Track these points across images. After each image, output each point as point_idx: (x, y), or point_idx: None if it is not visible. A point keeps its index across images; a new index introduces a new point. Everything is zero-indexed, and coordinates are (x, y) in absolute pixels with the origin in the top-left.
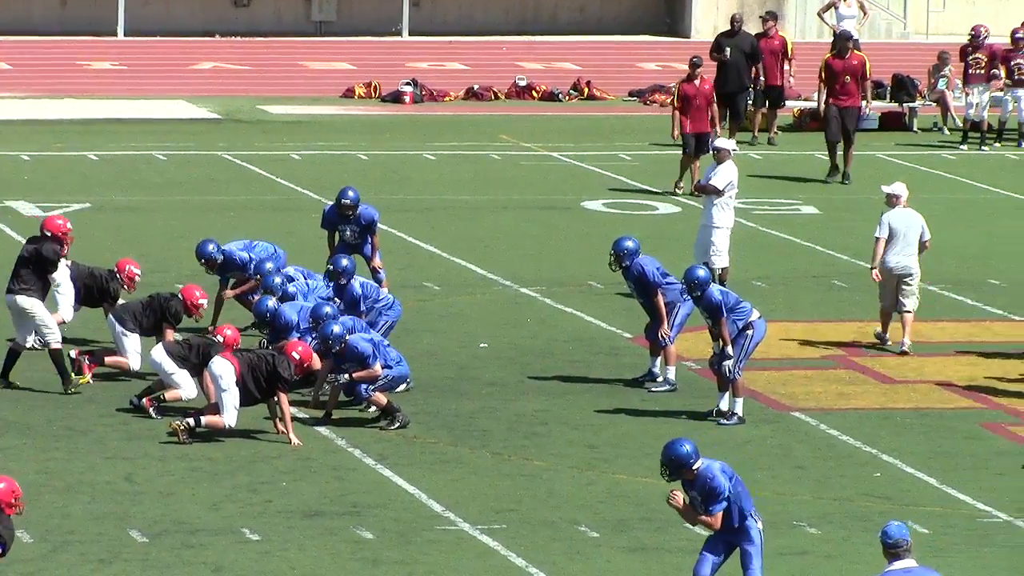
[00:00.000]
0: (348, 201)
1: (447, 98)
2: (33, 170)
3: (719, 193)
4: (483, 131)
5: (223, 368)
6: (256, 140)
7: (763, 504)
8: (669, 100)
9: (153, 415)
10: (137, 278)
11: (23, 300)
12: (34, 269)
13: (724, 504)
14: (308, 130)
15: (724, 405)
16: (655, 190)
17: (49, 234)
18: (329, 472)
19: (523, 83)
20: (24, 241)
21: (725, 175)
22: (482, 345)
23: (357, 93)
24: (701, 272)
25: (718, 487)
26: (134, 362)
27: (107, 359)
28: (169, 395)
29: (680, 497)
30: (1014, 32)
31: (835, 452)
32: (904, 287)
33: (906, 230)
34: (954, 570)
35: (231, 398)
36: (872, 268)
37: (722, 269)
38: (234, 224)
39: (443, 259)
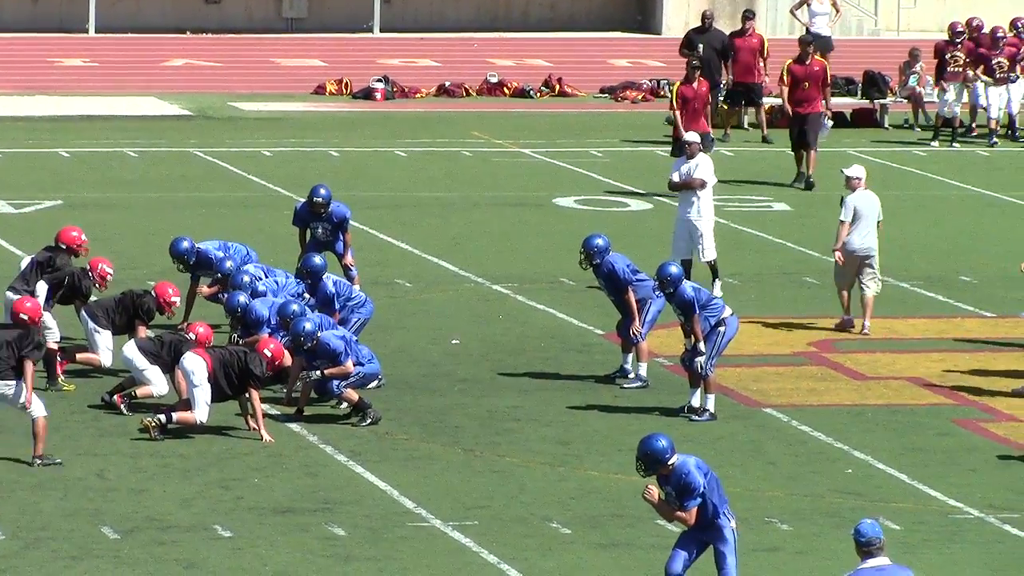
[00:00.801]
0: (320, 199)
1: (418, 95)
2: (5, 167)
3: (704, 186)
4: (454, 128)
5: (195, 364)
6: (227, 137)
7: (735, 500)
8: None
9: (124, 411)
10: (109, 277)
11: None
12: (41, 275)
13: (699, 500)
14: (279, 127)
15: (696, 401)
16: (637, 189)
17: (64, 246)
18: (301, 469)
19: (494, 80)
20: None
21: (707, 167)
22: (454, 341)
23: (328, 90)
24: (673, 269)
25: (693, 483)
26: (105, 359)
27: (79, 356)
28: (140, 392)
29: (655, 492)
30: (994, 30)
31: (807, 448)
32: (867, 269)
33: (868, 212)
34: (926, 566)
35: (203, 394)
36: (835, 250)
37: (712, 261)
38: (206, 221)
39: (415, 256)
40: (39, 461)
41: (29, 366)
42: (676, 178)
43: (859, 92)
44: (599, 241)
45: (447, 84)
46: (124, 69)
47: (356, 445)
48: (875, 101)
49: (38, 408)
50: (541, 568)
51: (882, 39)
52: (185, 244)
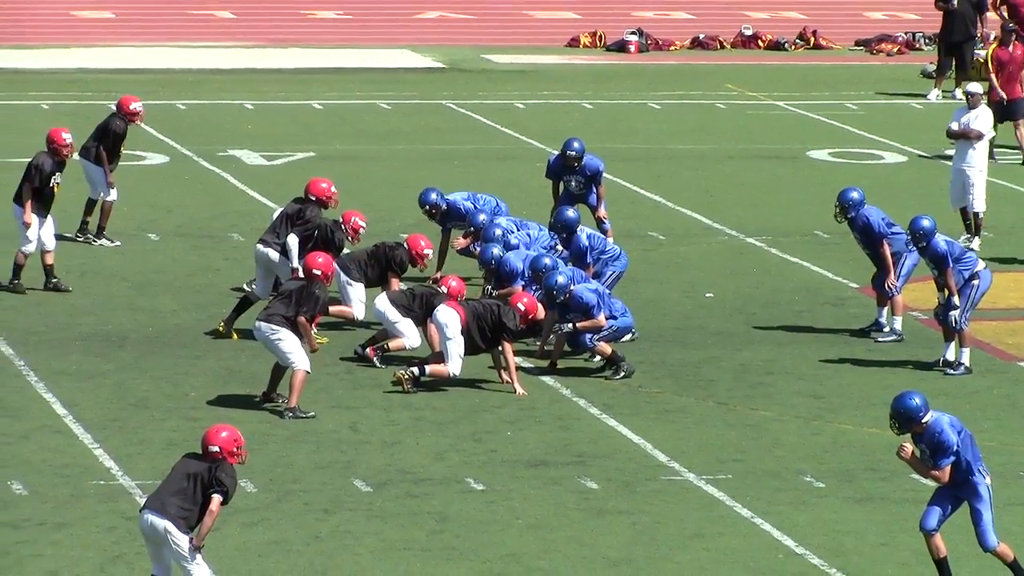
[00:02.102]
0: (573, 152)
1: (672, 47)
2: (256, 119)
3: (981, 137)
4: (708, 80)
5: (448, 317)
6: (480, 89)
7: (989, 455)
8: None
9: (377, 364)
10: (362, 230)
11: (274, 254)
12: (291, 227)
13: (952, 458)
14: (532, 79)
15: (951, 355)
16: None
17: (313, 198)
18: (554, 422)
19: (749, 32)
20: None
21: (986, 119)
22: (708, 295)
23: (582, 42)
24: (926, 222)
25: (946, 441)
26: (358, 311)
27: (332, 309)
28: (393, 344)
29: (909, 450)
30: None
31: None
32: None
33: None
34: None
35: (456, 347)
36: None
37: (979, 213)
38: (458, 173)
39: (668, 209)
40: (291, 414)
41: (303, 319)
42: (955, 127)
43: None
44: (854, 194)
45: (701, 37)
46: (377, 21)
47: (609, 398)
48: None
49: (301, 361)
50: (794, 522)
51: None
52: (433, 196)
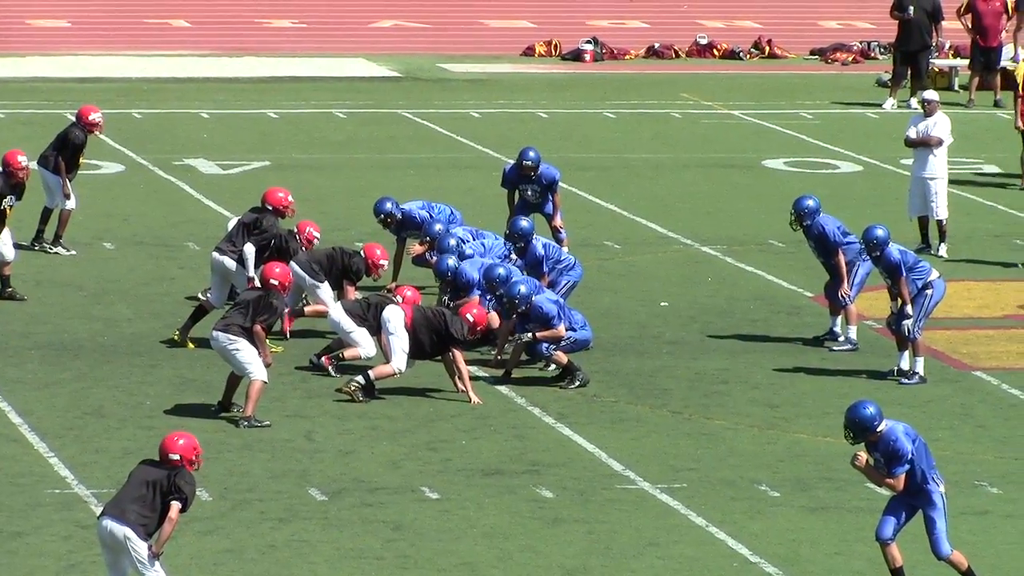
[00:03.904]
0: (530, 162)
1: (627, 56)
2: (212, 128)
3: (941, 144)
4: (664, 90)
5: (393, 313)
6: (436, 98)
7: (944, 464)
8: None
9: (332, 373)
10: (316, 240)
11: (230, 263)
12: (248, 236)
13: (907, 466)
14: (488, 88)
15: (905, 364)
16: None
17: (270, 207)
18: (509, 431)
19: (704, 41)
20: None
21: (945, 125)
22: (663, 304)
23: (537, 51)
24: (880, 232)
25: (901, 449)
26: (333, 309)
27: (307, 309)
28: (348, 354)
29: (864, 458)
30: None
31: (1017, 411)
32: None
33: None
34: None
35: (399, 342)
36: None
37: (943, 221)
38: (413, 182)
39: (624, 218)
40: (246, 423)
41: (258, 329)
42: (913, 135)
43: None
44: (810, 202)
45: (656, 46)
46: (332, 30)
47: (564, 407)
48: None
49: (259, 371)
50: (749, 531)
51: None
52: (388, 205)
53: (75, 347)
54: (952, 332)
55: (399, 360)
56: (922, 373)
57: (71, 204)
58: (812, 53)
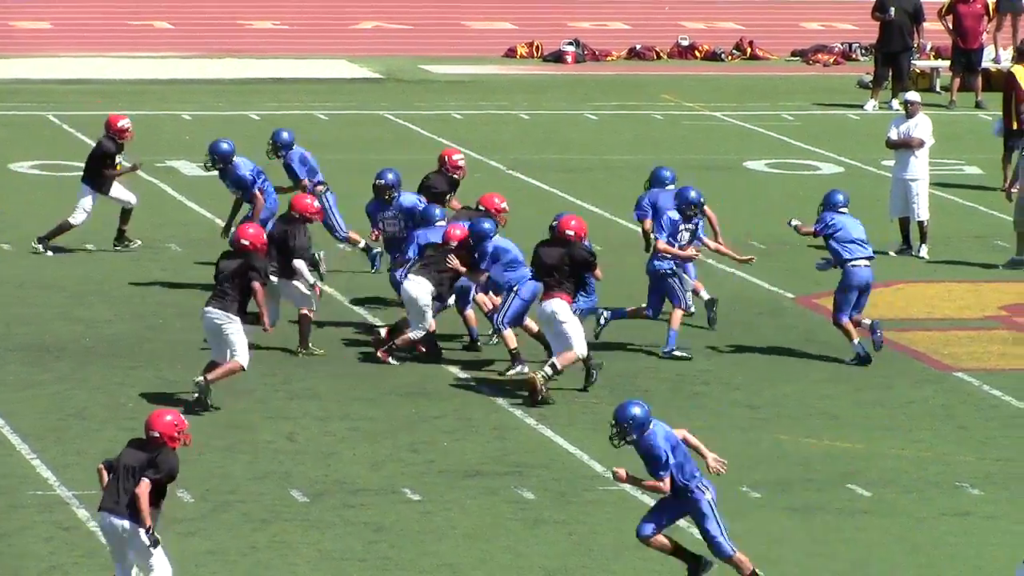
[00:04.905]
0: (383, 181)
1: (609, 58)
2: (194, 130)
3: (922, 145)
4: (645, 91)
5: (559, 306)
6: (418, 99)
7: (926, 464)
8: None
9: (392, 362)
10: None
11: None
12: (287, 254)
13: (669, 470)
14: (470, 90)
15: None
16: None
17: (297, 215)
18: (490, 432)
19: (685, 43)
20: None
21: (926, 127)
22: (643, 306)
23: (519, 53)
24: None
25: (658, 453)
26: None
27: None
28: (402, 340)
29: (623, 473)
30: None
31: (998, 413)
32: None
33: None
34: None
35: (574, 328)
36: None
37: (924, 222)
38: None
39: (605, 219)
40: (201, 384)
41: (256, 286)
42: (894, 136)
43: None
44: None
45: (638, 47)
46: (314, 32)
47: (545, 409)
48: None
49: (243, 355)
50: (731, 531)
51: None
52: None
53: (57, 349)
54: (933, 333)
55: (580, 345)
56: (862, 353)
57: (133, 200)
58: (794, 54)
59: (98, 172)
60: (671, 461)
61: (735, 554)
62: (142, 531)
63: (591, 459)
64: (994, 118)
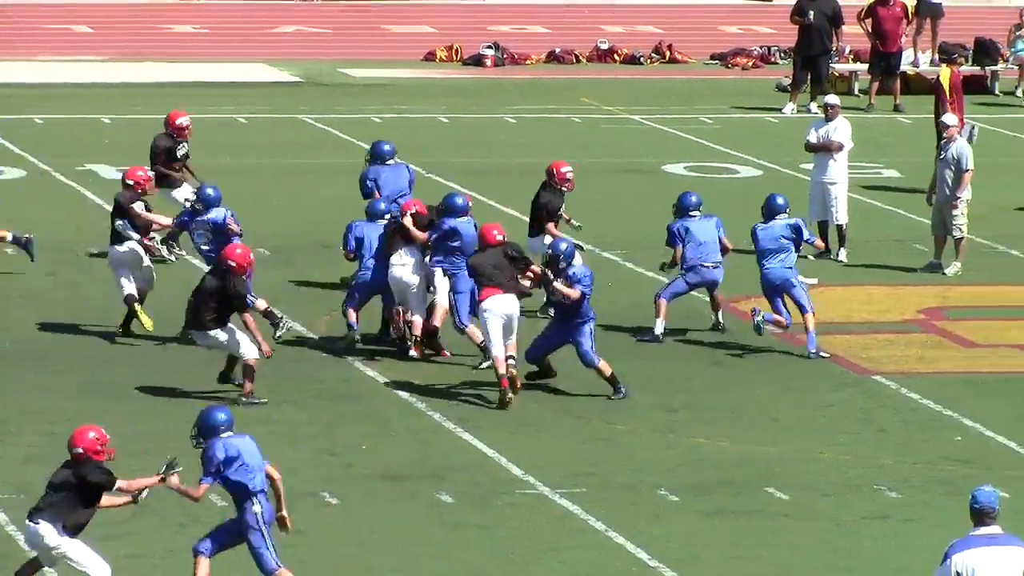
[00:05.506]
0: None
1: (528, 61)
2: (114, 133)
3: (841, 148)
4: (564, 94)
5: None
6: (337, 103)
7: (845, 468)
8: None
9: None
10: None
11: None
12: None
13: (212, 479)
14: (389, 93)
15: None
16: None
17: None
18: (409, 436)
19: (604, 46)
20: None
21: (845, 130)
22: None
23: (438, 56)
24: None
25: (211, 459)
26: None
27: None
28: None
29: (173, 480)
30: None
31: (917, 416)
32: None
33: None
34: None
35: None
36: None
37: (843, 225)
38: (315, 187)
39: (525, 223)
40: (244, 399)
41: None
42: (813, 139)
43: (970, 59)
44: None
45: (557, 51)
46: (233, 35)
47: (464, 412)
48: (986, 68)
49: (249, 350)
50: (648, 535)
51: (994, 6)
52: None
53: None
54: (852, 337)
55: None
56: (658, 333)
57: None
58: (712, 58)
59: (163, 171)
60: (220, 471)
61: (279, 569)
62: (55, 537)
63: (510, 463)
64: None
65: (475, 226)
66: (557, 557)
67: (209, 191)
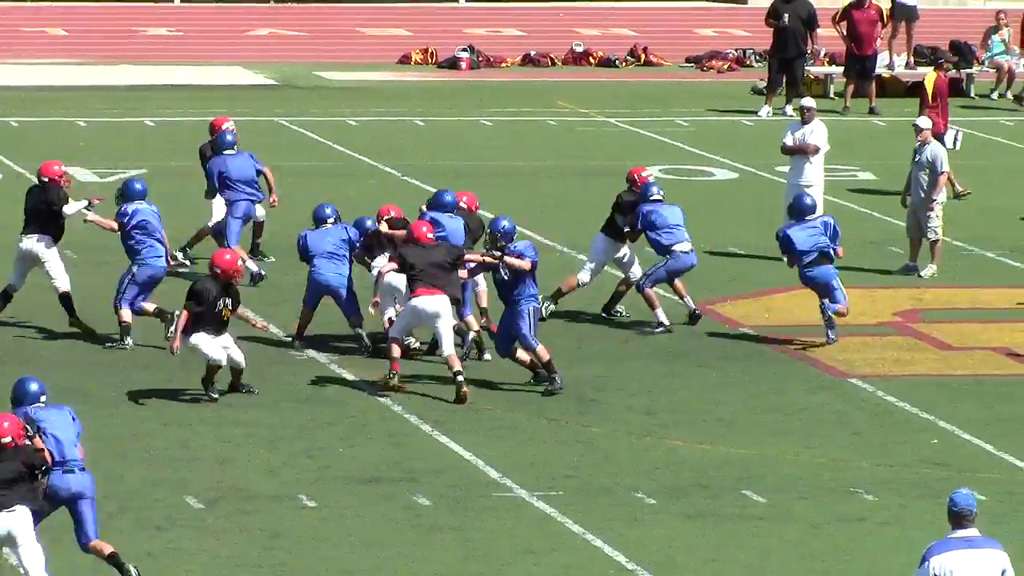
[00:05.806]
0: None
1: (504, 64)
2: (89, 136)
3: (818, 151)
4: (540, 97)
5: None
6: (312, 106)
7: (820, 470)
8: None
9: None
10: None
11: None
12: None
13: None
14: (364, 96)
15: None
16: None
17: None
18: (386, 438)
19: (580, 49)
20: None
21: (821, 133)
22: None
23: (414, 59)
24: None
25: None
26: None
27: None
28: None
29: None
30: None
31: (893, 419)
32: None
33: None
34: (1012, 537)
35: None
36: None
37: None
38: (290, 190)
39: None
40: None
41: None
42: (790, 142)
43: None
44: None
45: (532, 53)
46: (208, 38)
47: (441, 415)
48: (961, 71)
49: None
50: (626, 538)
51: (968, 8)
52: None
53: None
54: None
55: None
56: (663, 322)
57: (260, 214)
58: (688, 61)
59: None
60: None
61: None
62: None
63: (487, 465)
64: (951, 129)
65: (465, 226)
66: (534, 560)
67: (137, 185)
